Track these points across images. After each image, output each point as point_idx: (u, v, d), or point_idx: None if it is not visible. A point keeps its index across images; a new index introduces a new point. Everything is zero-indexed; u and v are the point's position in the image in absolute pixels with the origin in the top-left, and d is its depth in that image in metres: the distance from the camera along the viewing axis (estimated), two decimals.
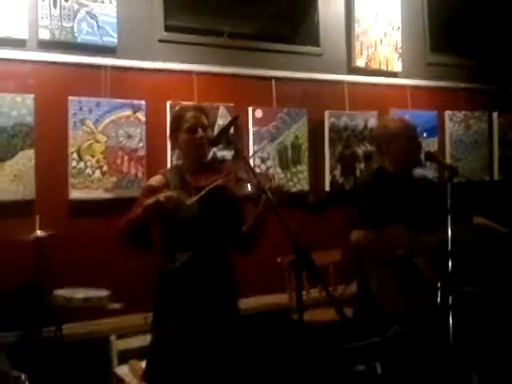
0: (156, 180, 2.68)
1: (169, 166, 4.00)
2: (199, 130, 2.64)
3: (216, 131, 2.97)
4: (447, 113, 5.61)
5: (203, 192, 2.42)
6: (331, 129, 4.95)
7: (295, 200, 2.76)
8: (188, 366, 2.54)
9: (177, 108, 3.00)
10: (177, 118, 2.72)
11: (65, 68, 4.00)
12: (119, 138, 4.14)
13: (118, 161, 4.13)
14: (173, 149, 3.44)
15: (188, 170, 2.69)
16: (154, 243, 2.60)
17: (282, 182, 4.35)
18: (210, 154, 2.74)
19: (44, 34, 3.93)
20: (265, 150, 4.61)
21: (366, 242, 3.10)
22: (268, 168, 4.64)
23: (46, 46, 3.96)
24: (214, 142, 2.67)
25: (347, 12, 5.14)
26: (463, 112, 5.69)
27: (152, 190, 2.58)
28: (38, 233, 3.55)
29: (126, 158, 4.15)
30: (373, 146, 4.84)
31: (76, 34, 4.03)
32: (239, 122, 4.41)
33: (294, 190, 4.65)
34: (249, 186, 2.48)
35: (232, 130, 2.79)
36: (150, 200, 2.42)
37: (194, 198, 2.42)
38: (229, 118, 4.34)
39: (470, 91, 5.71)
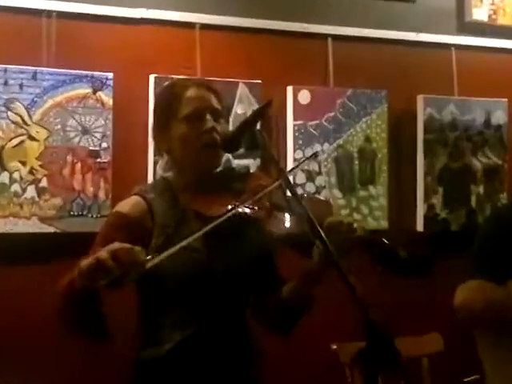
0: (131, 205, 2.14)
1: (150, 180, 3.24)
2: (208, 116, 2.14)
3: (232, 125, 2.79)
4: None
5: (194, 236, 1.84)
6: (428, 125, 3.83)
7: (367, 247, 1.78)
8: None
9: (168, 83, 2.54)
10: (170, 99, 2.22)
11: None
12: (68, 133, 3.30)
13: (66, 171, 3.29)
14: (159, 151, 2.56)
15: (186, 187, 2.18)
16: (112, 333, 1.95)
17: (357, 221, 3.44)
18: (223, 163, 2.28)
19: None
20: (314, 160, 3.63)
21: (482, 299, 2.64)
22: (318, 189, 3.59)
23: None
24: (230, 144, 2.10)
25: None
26: None
27: (124, 224, 2.09)
28: None
29: (78, 166, 3.31)
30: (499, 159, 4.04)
31: None
32: (271, 112, 3.44)
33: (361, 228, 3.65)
34: (291, 221, 2.00)
35: (259, 124, 2.17)
36: (88, 259, 1.83)
37: (157, 259, 1.70)
38: (254, 104, 3.48)
39: None
